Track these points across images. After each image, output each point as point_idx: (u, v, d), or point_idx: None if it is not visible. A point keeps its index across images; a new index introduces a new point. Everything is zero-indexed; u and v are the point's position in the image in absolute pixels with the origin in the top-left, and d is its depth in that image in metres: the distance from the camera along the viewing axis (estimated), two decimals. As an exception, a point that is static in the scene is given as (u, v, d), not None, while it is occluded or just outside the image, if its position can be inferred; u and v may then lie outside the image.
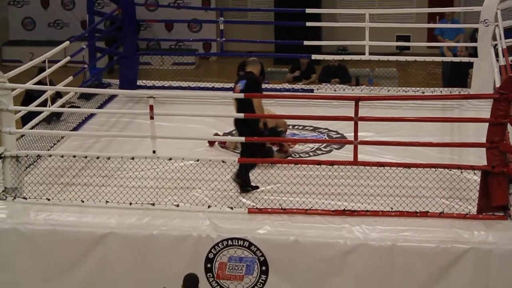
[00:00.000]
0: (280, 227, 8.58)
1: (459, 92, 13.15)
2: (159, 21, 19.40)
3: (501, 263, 8.18)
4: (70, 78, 11.68)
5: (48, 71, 10.99)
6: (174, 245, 8.51)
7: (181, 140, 10.16)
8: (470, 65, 13.32)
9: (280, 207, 8.88)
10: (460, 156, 10.08)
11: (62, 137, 10.99)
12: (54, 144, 10.77)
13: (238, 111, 9.38)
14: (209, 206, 8.94)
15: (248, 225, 8.61)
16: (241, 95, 9.15)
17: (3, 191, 9.26)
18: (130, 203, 9.03)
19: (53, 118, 11.51)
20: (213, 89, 13.81)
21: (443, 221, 8.59)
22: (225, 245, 8.46)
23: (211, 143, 10.77)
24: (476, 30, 12.95)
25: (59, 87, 11.16)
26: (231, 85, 14.15)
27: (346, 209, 8.82)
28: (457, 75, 14.50)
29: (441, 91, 13.39)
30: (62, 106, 11.36)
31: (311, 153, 10.65)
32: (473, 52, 13.43)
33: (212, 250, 8.47)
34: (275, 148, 10.44)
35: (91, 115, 12.03)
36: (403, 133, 10.69)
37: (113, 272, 8.65)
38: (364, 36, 13.11)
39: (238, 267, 8.50)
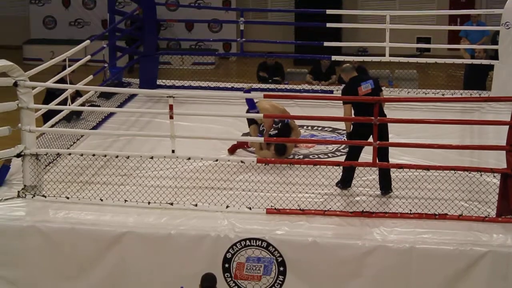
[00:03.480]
0: (298, 228, 8.58)
1: (479, 94, 13.10)
2: (179, 21, 19.40)
3: (520, 266, 8.15)
4: (90, 77, 11.72)
5: (68, 69, 11.05)
6: (192, 244, 8.51)
7: (200, 139, 10.17)
8: (490, 67, 13.26)
9: (299, 208, 8.88)
10: (480, 158, 10.04)
11: (82, 136, 11.03)
12: (74, 143, 10.81)
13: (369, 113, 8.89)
14: (227, 206, 8.94)
15: (266, 226, 8.60)
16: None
17: (22, 189, 9.29)
18: (149, 202, 9.05)
19: (73, 117, 11.56)
20: (232, 89, 13.82)
21: (462, 224, 8.56)
22: (243, 245, 8.45)
23: (232, 150, 10.67)
24: (498, 32, 12.90)
25: (80, 85, 11.21)
26: (251, 85, 14.27)
27: (364, 210, 8.80)
28: (476, 78, 14.42)
29: (461, 94, 13.34)
30: (82, 104, 11.40)
31: (330, 154, 10.64)
32: (494, 55, 13.37)
33: (230, 250, 8.47)
34: None
35: (111, 114, 12.08)
36: (423, 135, 10.67)
37: (131, 271, 8.66)
38: (384, 37, 13.08)
39: (256, 268, 8.49)
